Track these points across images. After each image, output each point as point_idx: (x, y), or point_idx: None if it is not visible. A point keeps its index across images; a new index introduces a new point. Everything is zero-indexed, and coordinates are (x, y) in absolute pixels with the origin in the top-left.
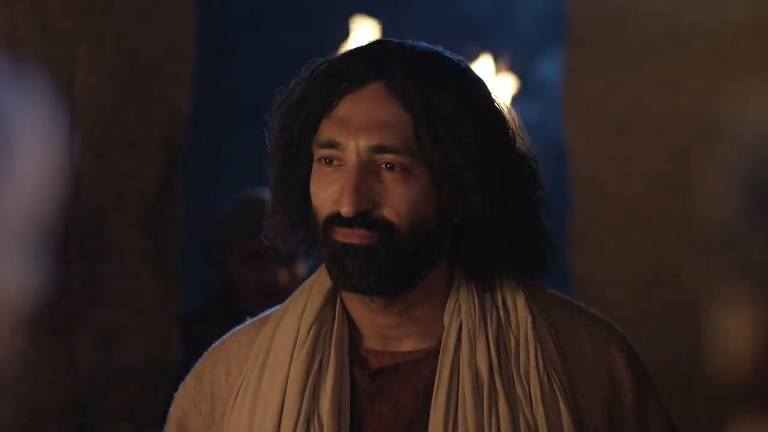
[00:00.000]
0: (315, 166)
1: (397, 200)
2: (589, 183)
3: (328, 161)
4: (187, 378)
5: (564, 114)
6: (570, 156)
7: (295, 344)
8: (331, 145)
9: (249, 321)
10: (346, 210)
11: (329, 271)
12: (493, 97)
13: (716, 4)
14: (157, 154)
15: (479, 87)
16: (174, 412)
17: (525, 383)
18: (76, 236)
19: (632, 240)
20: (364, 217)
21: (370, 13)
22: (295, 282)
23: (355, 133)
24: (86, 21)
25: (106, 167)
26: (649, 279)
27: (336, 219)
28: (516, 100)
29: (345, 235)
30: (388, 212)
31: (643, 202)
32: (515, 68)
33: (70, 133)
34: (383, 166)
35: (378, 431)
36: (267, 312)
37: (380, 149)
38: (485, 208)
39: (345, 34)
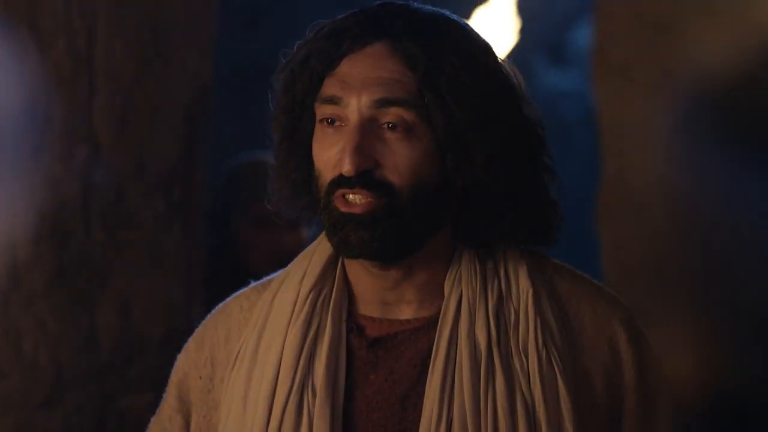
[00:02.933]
0: (317, 127)
1: (398, 160)
2: (617, 151)
3: (330, 122)
4: (189, 341)
5: (594, 82)
6: (599, 124)
7: (293, 310)
8: (333, 100)
9: (252, 284)
10: (347, 169)
11: (330, 240)
12: (500, 61)
13: None
14: (178, 121)
15: (485, 50)
16: (175, 374)
17: (523, 357)
18: (96, 203)
19: (659, 209)
20: (365, 177)
21: None
22: (302, 245)
23: (358, 89)
24: None
25: (127, 133)
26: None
27: (338, 181)
28: (551, 69)
29: (347, 205)
30: (389, 173)
31: (672, 173)
32: (550, 38)
33: (89, 99)
34: (385, 126)
35: (373, 401)
36: (271, 276)
37: (383, 102)
38: (489, 171)
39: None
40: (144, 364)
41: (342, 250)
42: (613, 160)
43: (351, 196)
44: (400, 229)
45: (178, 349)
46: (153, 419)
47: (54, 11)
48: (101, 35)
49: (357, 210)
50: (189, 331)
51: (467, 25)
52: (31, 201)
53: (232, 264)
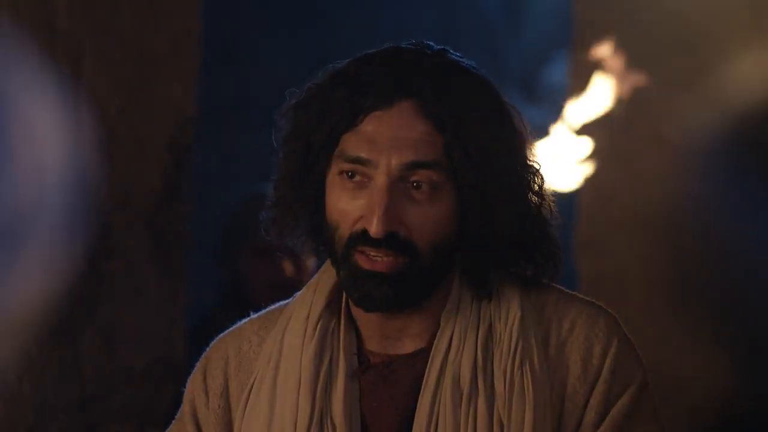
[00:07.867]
0: (336, 178)
1: (423, 220)
2: (595, 185)
3: (350, 175)
4: (196, 370)
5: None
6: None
7: (303, 345)
8: (360, 161)
9: (255, 316)
10: (375, 231)
11: (349, 293)
12: (510, 108)
13: (720, 5)
14: (162, 154)
15: (500, 99)
16: (186, 405)
17: (503, 379)
18: (80, 235)
19: (638, 242)
20: (391, 239)
21: (377, 16)
22: (303, 273)
23: (387, 151)
24: (91, 21)
25: (112, 166)
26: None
27: (361, 238)
28: (524, 104)
29: (370, 262)
30: (413, 233)
31: (649, 204)
32: (522, 73)
33: (75, 132)
34: (411, 184)
35: (379, 428)
36: (274, 306)
37: (414, 166)
38: (509, 222)
39: (352, 36)
40: (127, 394)
41: (364, 304)
42: (591, 193)
43: (373, 253)
44: (420, 284)
45: (161, 379)
46: None
47: (39, 45)
48: (86, 67)
49: (381, 268)
50: (172, 362)
51: (481, 71)
52: None
53: (235, 294)
